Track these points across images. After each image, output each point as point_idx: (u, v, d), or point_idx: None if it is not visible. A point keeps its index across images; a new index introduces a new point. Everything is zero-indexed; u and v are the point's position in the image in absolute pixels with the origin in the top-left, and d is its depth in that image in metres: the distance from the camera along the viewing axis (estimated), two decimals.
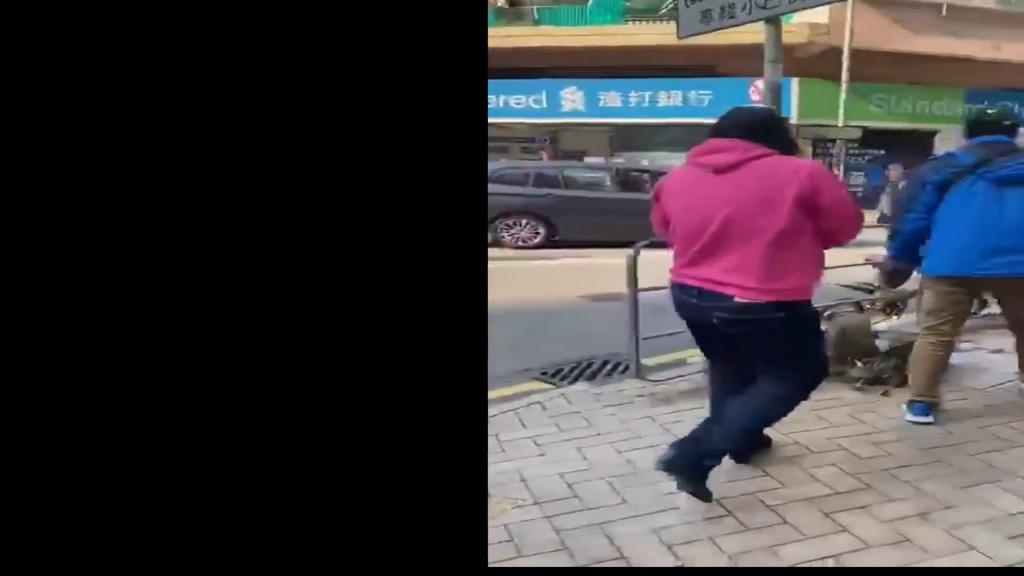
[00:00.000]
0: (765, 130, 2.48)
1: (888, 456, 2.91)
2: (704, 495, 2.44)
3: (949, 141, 16.22)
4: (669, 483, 2.66)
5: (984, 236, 3.08)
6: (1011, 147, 3.20)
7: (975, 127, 3.36)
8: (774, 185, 2.35)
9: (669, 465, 2.43)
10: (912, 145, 16.38)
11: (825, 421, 3.30)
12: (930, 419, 3.26)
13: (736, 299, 2.37)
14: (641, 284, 3.80)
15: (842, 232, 2.46)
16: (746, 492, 2.60)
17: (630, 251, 3.78)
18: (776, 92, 3.67)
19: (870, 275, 4.86)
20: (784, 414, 2.63)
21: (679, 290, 2.55)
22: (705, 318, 2.49)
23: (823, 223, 2.39)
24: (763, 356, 2.54)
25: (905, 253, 3.37)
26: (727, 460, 2.72)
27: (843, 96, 15.18)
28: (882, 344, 4.05)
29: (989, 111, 3.57)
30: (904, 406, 3.35)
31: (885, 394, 3.63)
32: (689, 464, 2.44)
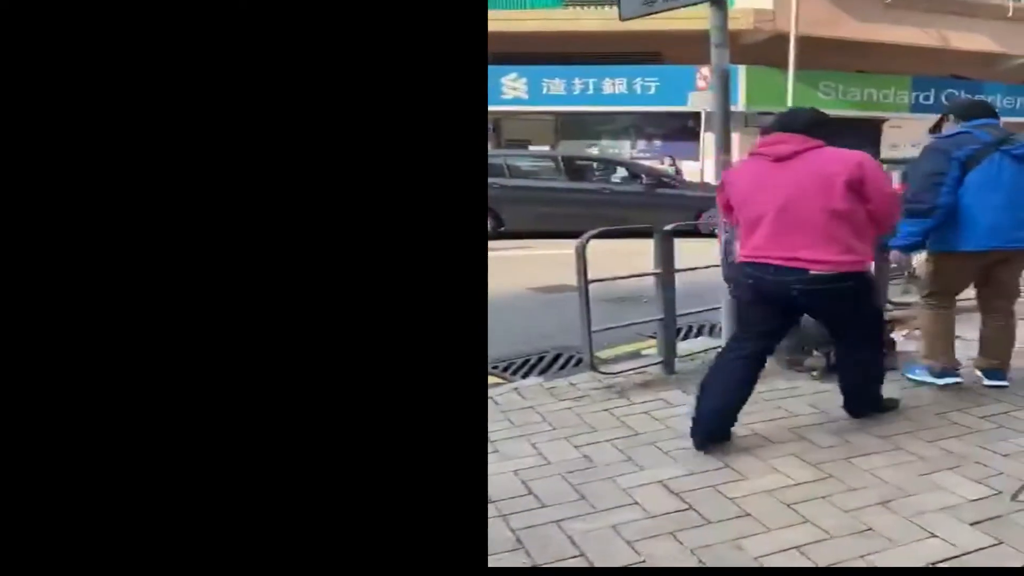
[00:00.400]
0: (819, 127, 2.97)
1: (847, 445, 2.96)
2: (893, 405, 3.30)
3: (898, 129, 16.73)
4: (628, 477, 2.68)
5: (1013, 210, 3.38)
6: (1006, 129, 3.55)
7: (974, 110, 3.62)
8: (828, 171, 2.83)
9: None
10: (860, 133, 16.79)
11: (784, 411, 3.36)
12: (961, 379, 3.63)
13: (810, 272, 2.84)
14: (592, 275, 3.79)
15: (883, 218, 2.96)
16: (707, 485, 2.62)
17: (579, 241, 3.76)
18: (725, 77, 3.70)
19: None
20: (882, 371, 3.26)
21: (753, 268, 2.98)
22: (781, 292, 2.93)
23: (868, 207, 2.86)
24: (834, 322, 3.09)
25: (935, 229, 3.47)
26: (688, 452, 2.90)
27: (791, 83, 15.46)
28: None
29: (982, 98, 3.84)
30: (933, 376, 3.63)
31: None
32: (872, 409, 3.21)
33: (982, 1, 16.66)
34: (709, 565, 2.16)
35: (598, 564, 2.17)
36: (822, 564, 2.15)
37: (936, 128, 3.90)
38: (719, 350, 3.35)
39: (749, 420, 3.21)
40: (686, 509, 2.46)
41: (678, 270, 3.98)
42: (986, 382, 3.63)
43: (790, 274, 2.87)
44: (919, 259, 3.90)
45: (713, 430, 2.95)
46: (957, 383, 3.59)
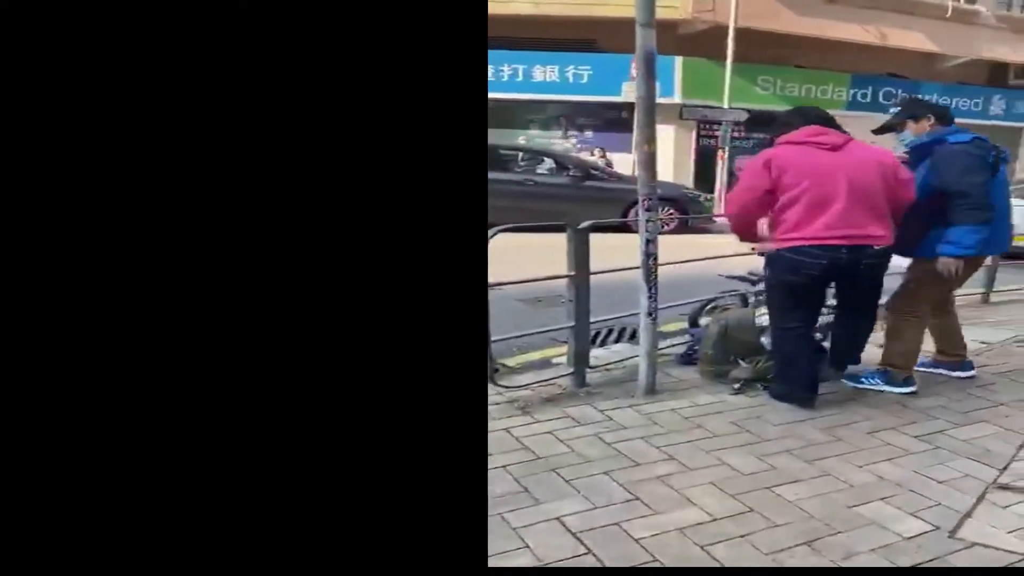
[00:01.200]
0: (830, 122, 3.40)
1: (772, 471, 2.72)
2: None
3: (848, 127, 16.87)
4: (521, 513, 2.39)
5: (1000, 216, 3.57)
6: None
7: (949, 114, 3.71)
8: (879, 157, 3.31)
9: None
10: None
11: (704, 430, 3.11)
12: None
13: (874, 247, 3.25)
14: (508, 271, 3.48)
15: (902, 202, 3.37)
16: (610, 521, 2.34)
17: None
18: (650, 61, 3.39)
19: (758, 264, 4.74)
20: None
21: (824, 250, 3.20)
22: (850, 267, 3.26)
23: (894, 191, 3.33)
24: (867, 291, 3.47)
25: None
26: (593, 480, 2.62)
27: (728, 76, 15.43)
28: (767, 341, 3.91)
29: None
30: (893, 385, 3.63)
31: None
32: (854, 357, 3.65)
33: None
34: None
35: None
36: None
37: (883, 130, 3.78)
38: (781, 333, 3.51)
39: (666, 442, 2.96)
40: (583, 553, 2.17)
41: (594, 272, 3.70)
42: (962, 374, 3.87)
43: (859, 251, 3.23)
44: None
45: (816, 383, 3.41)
46: (913, 392, 3.62)
